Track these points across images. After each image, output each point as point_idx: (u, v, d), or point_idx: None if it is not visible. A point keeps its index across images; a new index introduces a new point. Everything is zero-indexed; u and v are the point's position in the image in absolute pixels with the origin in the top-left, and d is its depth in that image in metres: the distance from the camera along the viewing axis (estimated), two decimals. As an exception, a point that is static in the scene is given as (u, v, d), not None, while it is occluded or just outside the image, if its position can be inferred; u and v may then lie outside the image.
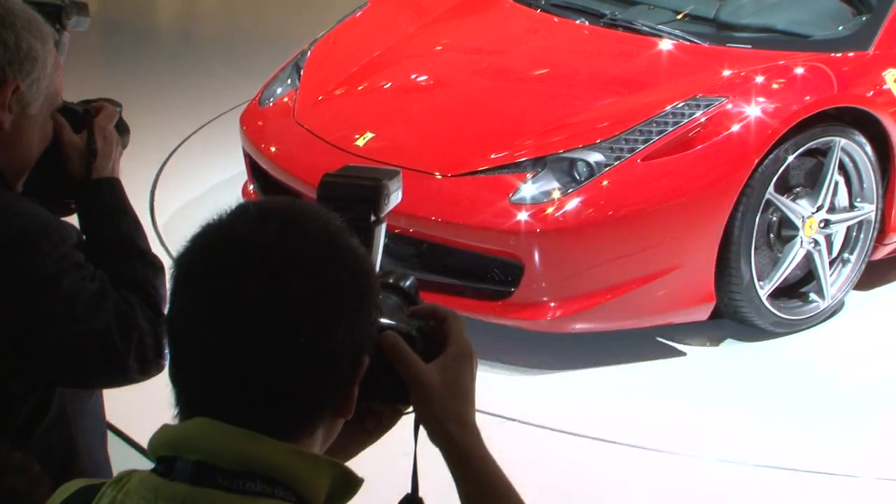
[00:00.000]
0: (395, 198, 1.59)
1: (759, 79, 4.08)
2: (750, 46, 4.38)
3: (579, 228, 3.78)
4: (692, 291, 3.94)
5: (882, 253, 4.45)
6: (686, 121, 3.89)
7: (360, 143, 4.18)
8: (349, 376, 1.22)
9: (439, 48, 4.71)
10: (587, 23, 4.65)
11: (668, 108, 3.94)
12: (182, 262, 1.23)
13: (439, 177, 3.96)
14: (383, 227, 1.55)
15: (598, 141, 3.89)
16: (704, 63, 4.29)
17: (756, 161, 3.88)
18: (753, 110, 3.94)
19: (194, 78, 6.69)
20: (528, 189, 3.83)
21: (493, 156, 3.95)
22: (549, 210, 3.78)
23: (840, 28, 4.49)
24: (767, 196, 3.97)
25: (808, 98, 4.02)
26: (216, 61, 7.13)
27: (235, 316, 1.18)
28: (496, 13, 4.90)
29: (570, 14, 4.73)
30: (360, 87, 4.54)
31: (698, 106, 3.94)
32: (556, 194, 3.80)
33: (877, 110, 4.14)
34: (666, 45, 4.43)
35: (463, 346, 1.34)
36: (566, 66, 4.44)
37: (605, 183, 3.80)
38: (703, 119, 3.89)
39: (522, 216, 3.77)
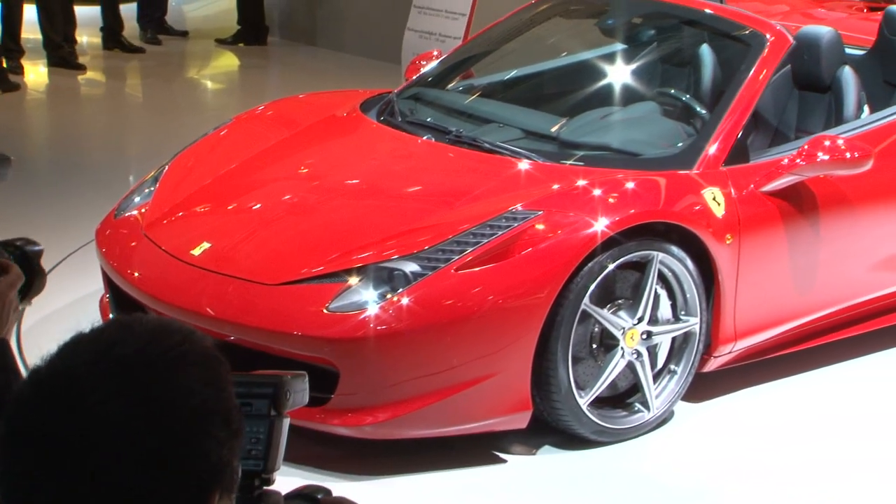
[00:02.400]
0: (301, 399, 1.67)
1: (580, 192, 4.23)
2: (583, 164, 4.53)
3: (393, 336, 3.88)
4: (509, 399, 4.03)
5: (714, 365, 4.56)
6: (502, 232, 4.02)
7: (196, 252, 4.29)
8: None
9: (288, 163, 4.85)
10: (433, 139, 4.80)
11: (488, 220, 4.07)
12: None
13: (264, 286, 4.07)
14: (286, 422, 1.63)
15: (416, 252, 4.01)
16: (535, 179, 4.43)
17: (569, 273, 4.00)
18: (569, 223, 4.07)
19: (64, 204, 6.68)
20: (345, 298, 3.94)
21: (316, 266, 4.07)
22: (364, 318, 3.88)
23: (670, 147, 4.66)
24: (583, 307, 4.08)
25: (625, 213, 4.16)
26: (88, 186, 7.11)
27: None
28: (348, 130, 5.06)
29: (418, 130, 4.89)
30: (207, 199, 4.66)
31: (515, 218, 4.07)
32: (372, 303, 3.91)
33: (695, 227, 4.27)
34: (503, 161, 4.58)
35: None
36: (402, 180, 4.59)
37: (419, 292, 3.91)
38: (518, 231, 4.02)
39: (337, 324, 3.88)
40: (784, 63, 5.24)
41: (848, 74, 5.11)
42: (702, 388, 4.59)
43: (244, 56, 10.98)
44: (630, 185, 4.28)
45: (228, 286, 4.11)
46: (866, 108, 5.14)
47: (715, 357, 4.52)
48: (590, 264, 4.07)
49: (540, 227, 4.05)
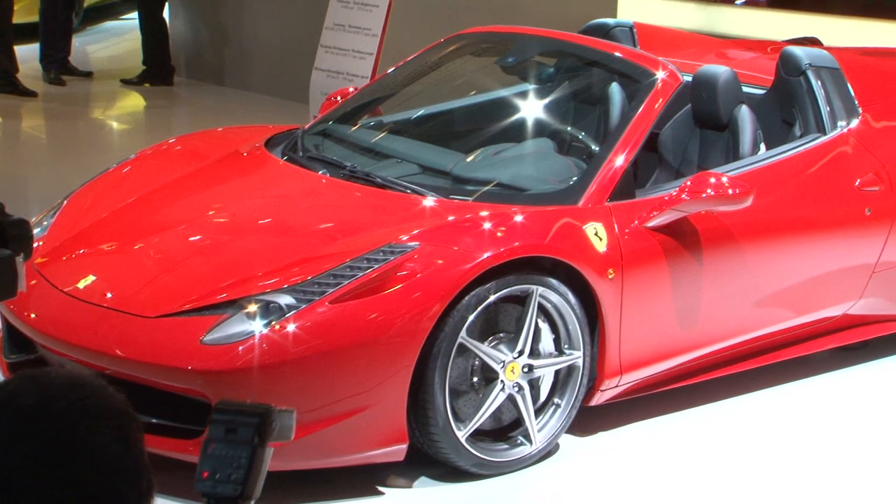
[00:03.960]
0: (287, 432, 1.69)
1: (458, 227, 4.28)
2: (470, 199, 4.58)
3: (266, 368, 3.90)
4: (385, 431, 4.05)
5: (601, 398, 4.59)
6: (378, 265, 4.06)
7: (81, 285, 4.31)
8: None
9: (182, 198, 4.87)
10: (328, 174, 4.85)
11: (365, 253, 4.11)
12: None
13: (142, 318, 4.09)
14: (269, 452, 1.65)
15: (292, 284, 4.05)
16: (420, 213, 4.47)
17: (444, 306, 4.04)
18: (446, 256, 4.11)
19: None
20: (220, 330, 3.96)
21: (195, 298, 4.10)
22: (237, 350, 3.90)
23: (559, 183, 4.71)
24: (461, 340, 4.12)
25: (502, 248, 4.20)
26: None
27: None
28: (248, 165, 5.11)
29: (316, 166, 4.94)
30: (99, 233, 4.68)
31: (392, 252, 4.11)
32: (246, 336, 3.93)
33: (575, 261, 4.32)
34: (393, 196, 4.63)
35: None
36: (291, 214, 4.63)
37: (292, 325, 3.94)
38: (394, 264, 4.06)
39: (211, 356, 3.90)
40: (685, 102, 5.34)
41: (745, 113, 5.18)
42: (589, 421, 4.63)
43: (150, 96, 10.84)
44: (509, 219, 4.33)
45: (107, 318, 4.13)
46: (763, 146, 5.21)
47: (601, 391, 4.56)
48: (467, 298, 4.11)
49: (416, 260, 4.09)
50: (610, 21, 6.25)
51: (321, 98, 6.70)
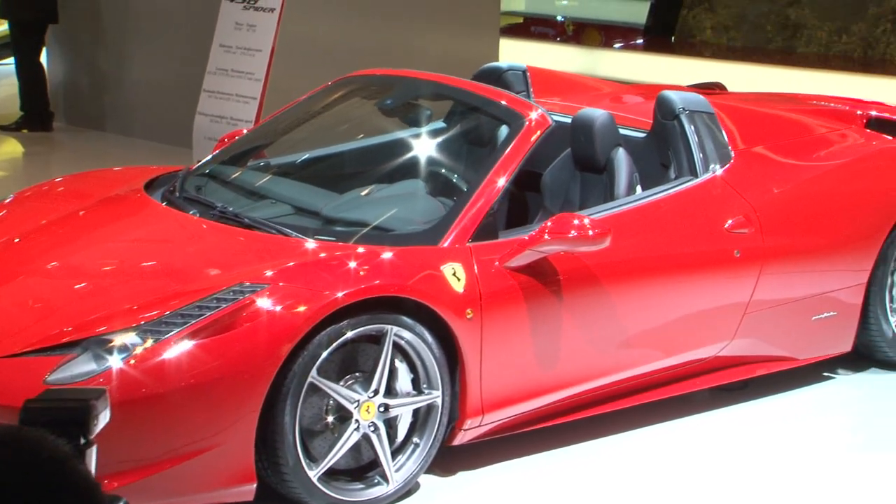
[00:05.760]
0: (104, 417, 1.58)
1: (312, 266, 4.31)
2: (334, 239, 4.61)
3: (111, 407, 3.89)
4: (233, 471, 4.05)
5: (465, 438, 4.61)
6: (226, 305, 4.08)
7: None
8: None
9: (45, 241, 4.85)
10: (198, 214, 4.87)
11: (215, 293, 4.13)
12: None
13: (-14, 359, 4.09)
14: (94, 450, 1.54)
15: (139, 324, 4.06)
16: (280, 253, 4.48)
17: (292, 345, 4.06)
18: (296, 296, 4.13)
19: None
20: (65, 370, 3.96)
21: (42, 338, 4.09)
22: (81, 390, 3.90)
23: (425, 224, 4.75)
24: (311, 380, 4.14)
25: (356, 287, 4.22)
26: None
27: None
28: (121, 206, 5.12)
29: (188, 206, 4.95)
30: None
31: (242, 291, 4.13)
32: (90, 375, 3.94)
33: (430, 301, 4.35)
34: (258, 237, 4.65)
35: None
36: (153, 254, 4.64)
37: (137, 364, 3.94)
38: (243, 303, 4.08)
39: (54, 396, 3.89)
40: (567, 145, 5.41)
41: (621, 156, 5.25)
42: (452, 460, 4.65)
43: (28, 143, 10.64)
44: (366, 259, 4.36)
45: (-48, 359, 4.12)
46: (639, 188, 5.28)
47: (464, 430, 4.58)
48: (318, 337, 4.13)
49: (265, 299, 4.11)
50: (503, 65, 6.32)
51: (205, 143, 6.75)
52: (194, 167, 5.49)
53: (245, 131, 5.97)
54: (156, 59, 10.26)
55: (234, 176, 5.40)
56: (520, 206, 5.71)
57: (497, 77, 6.11)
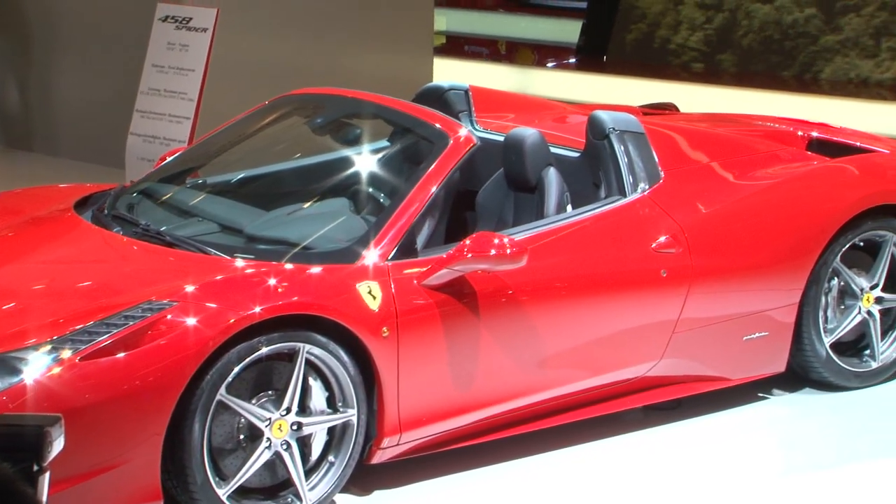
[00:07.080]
0: (59, 444, 1.54)
1: (223, 284, 4.31)
2: (253, 257, 4.61)
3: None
4: (138, 490, 4.05)
5: (383, 456, 4.60)
6: (133, 322, 4.07)
7: None
8: None
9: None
10: (122, 232, 4.87)
11: (123, 310, 4.13)
12: None
13: None
14: (47, 476, 1.50)
15: (45, 341, 4.05)
16: (195, 270, 4.47)
17: (199, 363, 4.05)
18: (204, 314, 4.13)
19: None
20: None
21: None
22: (-17, 406, 3.89)
23: (346, 242, 4.74)
24: (219, 398, 4.14)
25: (267, 305, 4.22)
26: None
27: None
28: (47, 224, 5.12)
29: (113, 224, 4.95)
30: None
31: (151, 309, 4.13)
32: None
33: (344, 319, 4.35)
34: (178, 254, 4.65)
35: None
36: (68, 273, 4.63)
37: (41, 382, 3.93)
38: (150, 321, 4.07)
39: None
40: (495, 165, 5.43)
41: (552, 175, 5.26)
42: (370, 479, 4.64)
43: None
44: (280, 277, 4.37)
45: None
46: (569, 207, 5.28)
47: (382, 448, 4.57)
48: (227, 354, 4.13)
49: (173, 317, 4.11)
50: (444, 84, 6.33)
51: (138, 163, 6.76)
52: (131, 185, 5.49)
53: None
54: (85, 78, 10.06)
55: (166, 195, 5.40)
56: (458, 225, 5.71)
57: (439, 97, 6.12)
